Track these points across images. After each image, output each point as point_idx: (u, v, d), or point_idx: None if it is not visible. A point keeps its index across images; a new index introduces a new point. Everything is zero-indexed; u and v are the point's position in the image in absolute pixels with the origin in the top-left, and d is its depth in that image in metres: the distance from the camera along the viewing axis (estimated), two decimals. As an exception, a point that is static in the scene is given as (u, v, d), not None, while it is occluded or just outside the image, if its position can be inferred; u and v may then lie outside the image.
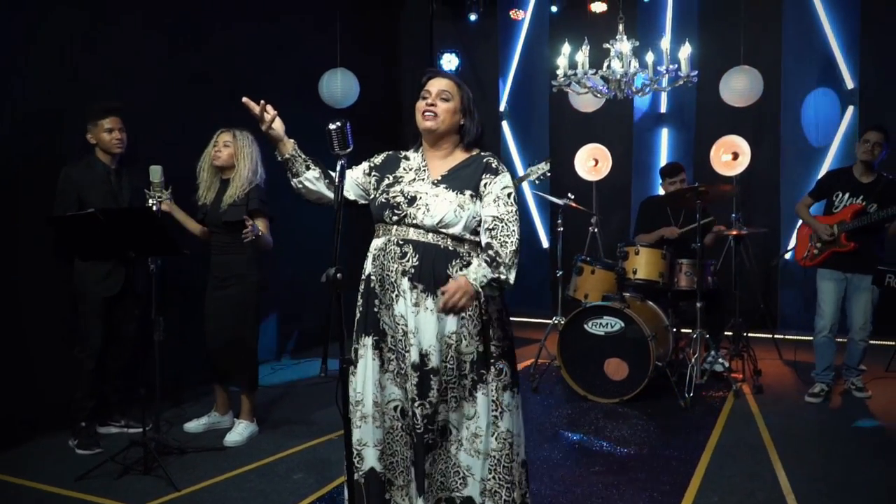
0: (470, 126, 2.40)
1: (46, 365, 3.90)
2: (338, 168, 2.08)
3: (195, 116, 4.69)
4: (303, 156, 2.38)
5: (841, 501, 3.07)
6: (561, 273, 5.28)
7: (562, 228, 5.26)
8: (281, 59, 5.67)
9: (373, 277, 2.35)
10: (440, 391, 2.28)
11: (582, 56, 4.65)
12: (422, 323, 2.26)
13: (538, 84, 7.23)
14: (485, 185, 2.31)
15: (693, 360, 4.71)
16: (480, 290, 2.15)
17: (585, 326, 4.68)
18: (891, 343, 5.42)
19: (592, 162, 6.65)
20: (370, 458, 2.35)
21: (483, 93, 7.46)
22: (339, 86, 5.80)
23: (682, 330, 5.23)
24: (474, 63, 7.46)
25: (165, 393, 4.33)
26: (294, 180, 2.39)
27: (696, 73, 4.43)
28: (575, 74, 4.58)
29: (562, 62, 4.73)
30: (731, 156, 6.10)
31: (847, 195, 4.52)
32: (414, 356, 2.25)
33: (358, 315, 2.40)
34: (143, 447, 3.38)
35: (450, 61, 7.42)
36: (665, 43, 4.40)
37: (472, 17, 7.59)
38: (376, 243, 2.37)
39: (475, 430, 2.33)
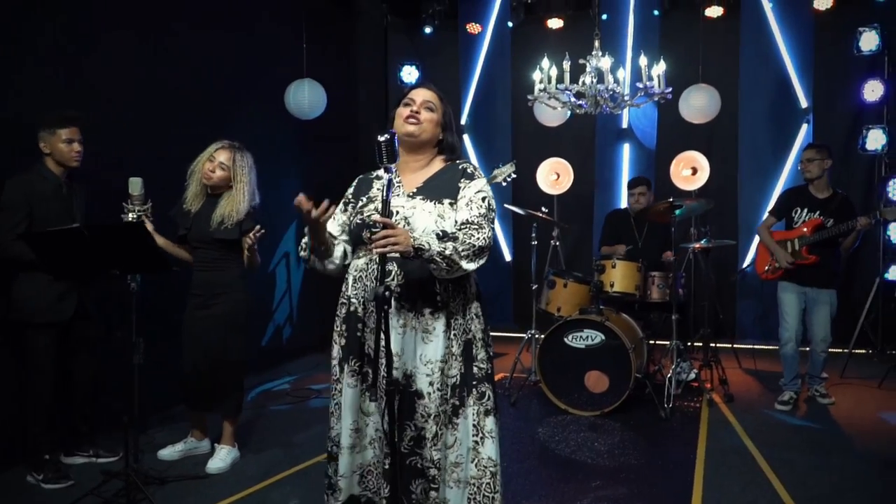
0: (451, 141, 2.37)
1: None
2: (385, 179, 2.00)
3: (159, 127, 4.49)
4: (332, 234, 2.32)
5: (837, 507, 3.16)
6: (536, 287, 5.29)
7: (535, 242, 5.27)
8: (246, 68, 5.50)
9: (354, 301, 2.25)
10: (429, 418, 2.19)
11: (555, 71, 4.70)
12: (407, 344, 2.18)
13: (500, 97, 7.26)
14: (461, 189, 2.25)
15: (671, 370, 4.79)
16: (417, 248, 2.02)
17: (566, 340, 4.69)
18: (844, 351, 5.68)
19: (554, 176, 6.72)
20: (347, 488, 2.26)
21: (444, 106, 7.43)
22: (307, 97, 5.67)
23: (652, 342, 5.32)
24: (435, 76, 7.44)
25: (133, 419, 4.10)
26: (321, 262, 2.31)
27: (670, 89, 4.53)
28: (554, 89, 4.61)
29: (537, 76, 4.77)
30: (690, 171, 6.29)
31: (806, 211, 4.71)
32: (399, 378, 2.17)
33: (343, 341, 2.28)
34: (125, 478, 3.15)
35: (410, 73, 7.37)
36: (643, 60, 4.48)
37: (428, 30, 7.58)
38: (357, 264, 2.28)
39: (455, 458, 2.25)
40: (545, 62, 4.67)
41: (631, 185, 5.66)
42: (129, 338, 3.17)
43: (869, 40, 5.85)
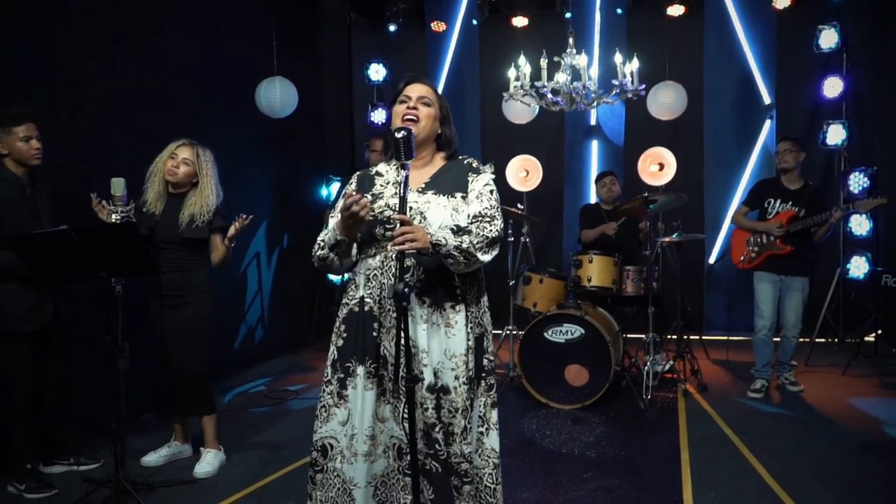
0: (449, 135, 2.36)
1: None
2: (403, 176, 1.98)
3: (128, 126, 4.37)
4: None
5: (823, 488, 3.26)
6: (512, 283, 5.33)
7: (511, 239, 5.31)
8: (213, 67, 5.38)
9: (367, 300, 2.21)
10: (456, 413, 2.16)
11: (528, 68, 4.74)
12: (431, 340, 2.16)
13: (468, 95, 7.28)
14: (470, 183, 2.26)
15: (648, 362, 4.88)
16: (434, 244, 2.04)
17: (545, 334, 4.74)
18: (808, 340, 5.88)
19: (524, 173, 6.78)
20: (360, 499, 2.18)
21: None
22: (278, 95, 5.59)
23: (625, 335, 5.41)
24: (402, 74, 7.40)
25: (108, 425, 3.99)
26: (341, 261, 2.24)
27: (643, 86, 4.61)
28: (532, 86, 4.64)
29: (512, 73, 4.80)
30: (657, 166, 6.42)
31: (779, 202, 4.85)
32: (428, 377, 2.14)
33: (341, 342, 2.23)
34: (116, 485, 3.07)
35: (377, 71, 7.33)
36: (618, 58, 4.55)
37: (392, 28, 7.55)
38: (370, 263, 2.22)
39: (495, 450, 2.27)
40: (521, 59, 4.71)
41: (599, 178, 5.77)
42: (115, 342, 3.09)
43: (828, 38, 6.06)
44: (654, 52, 6.37)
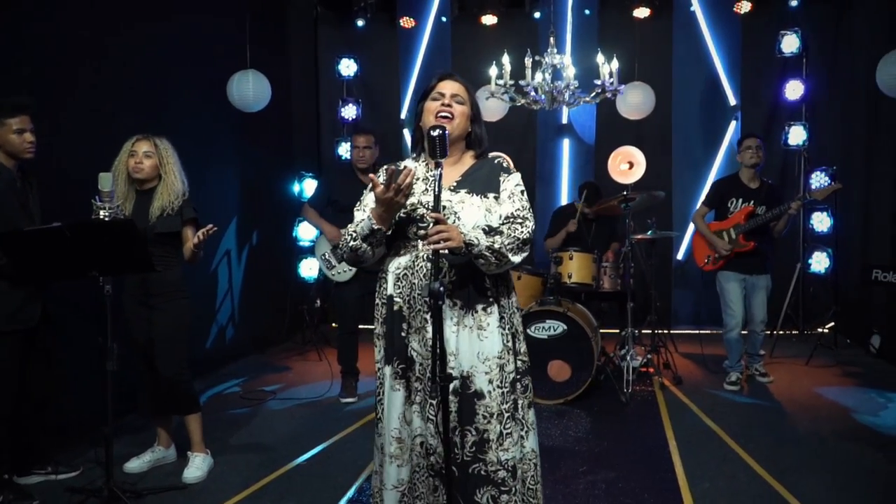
0: (480, 133, 2.35)
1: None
2: (437, 174, 1.97)
3: (94, 120, 4.18)
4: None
5: (808, 473, 3.38)
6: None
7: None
8: (186, 59, 5.22)
9: (397, 300, 2.19)
10: (491, 418, 2.13)
11: (508, 67, 4.77)
12: (462, 343, 2.14)
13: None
14: (501, 183, 2.26)
15: (628, 357, 4.96)
16: (468, 244, 2.03)
17: (528, 331, 4.76)
18: (771, 333, 6.08)
19: (495, 170, 6.80)
20: (388, 501, 2.18)
21: (383, 100, 7.38)
22: (251, 88, 5.48)
23: (602, 330, 5.50)
24: (374, 70, 7.37)
25: (85, 430, 3.85)
26: (373, 250, 2.19)
27: (623, 86, 4.69)
28: (516, 84, 4.67)
29: (493, 72, 4.82)
30: (627, 165, 6.52)
31: (740, 200, 4.99)
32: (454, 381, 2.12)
33: (382, 343, 2.22)
34: (108, 493, 2.96)
35: (348, 67, 7.25)
36: (600, 58, 4.62)
37: (360, 23, 7.47)
38: (400, 262, 2.20)
39: (522, 454, 2.23)
40: (505, 58, 4.73)
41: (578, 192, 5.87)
42: (105, 343, 2.98)
43: (790, 43, 6.28)
44: (623, 53, 6.46)
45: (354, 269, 4.75)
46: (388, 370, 2.16)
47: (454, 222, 2.12)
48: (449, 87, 2.26)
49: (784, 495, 3.15)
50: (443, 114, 2.20)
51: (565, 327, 4.71)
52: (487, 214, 2.18)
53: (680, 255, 6.87)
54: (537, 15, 7.10)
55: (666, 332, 6.24)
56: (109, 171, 3.35)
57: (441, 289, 1.88)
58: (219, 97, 5.65)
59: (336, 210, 4.82)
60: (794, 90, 6.31)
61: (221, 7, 5.79)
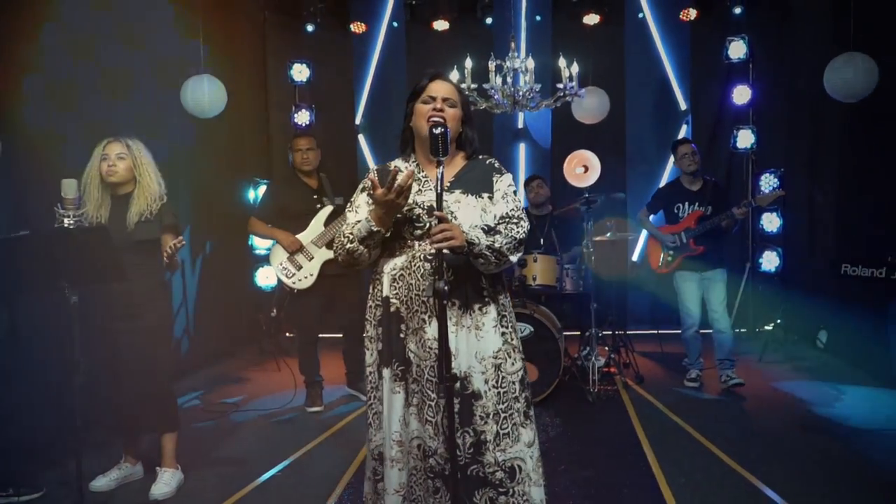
0: (471, 135, 2.34)
1: None
2: (440, 171, 1.96)
3: (34, 125, 3.99)
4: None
5: (778, 465, 3.48)
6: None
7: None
8: (137, 61, 5.05)
9: (394, 301, 2.17)
10: (487, 418, 2.12)
11: (467, 70, 4.79)
12: (460, 343, 2.13)
13: (395, 97, 7.22)
14: (494, 184, 2.27)
15: (592, 358, 5.03)
16: (469, 243, 2.03)
17: (496, 334, 4.78)
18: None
19: (452, 175, 6.82)
20: None
21: (337, 105, 7.30)
22: (207, 94, 5.33)
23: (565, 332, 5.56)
24: (327, 75, 7.28)
25: (46, 448, 3.67)
26: (370, 252, 2.15)
27: (584, 90, 4.77)
28: (478, 88, 4.70)
29: (454, 77, 4.83)
30: (582, 169, 6.65)
31: (686, 204, 5.12)
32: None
33: (379, 348, 2.20)
34: (78, 514, 2.82)
35: (301, 72, 7.14)
36: (561, 62, 4.69)
37: (310, 28, 7.39)
38: (396, 263, 2.18)
39: (538, 456, 2.23)
40: (468, 62, 4.74)
41: (527, 183, 5.89)
42: (72, 356, 2.85)
43: (737, 49, 6.50)
44: (577, 58, 6.59)
45: (314, 277, 4.67)
46: (387, 372, 2.13)
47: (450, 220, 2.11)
48: (440, 90, 2.25)
49: (759, 486, 3.24)
50: (435, 118, 2.18)
51: (532, 329, 4.74)
52: (483, 214, 2.18)
53: (635, 257, 7.00)
54: (489, 20, 7.17)
55: (623, 332, 6.39)
56: (81, 185, 3.20)
57: (446, 288, 1.86)
58: (172, 102, 5.47)
59: (286, 217, 4.74)
60: (741, 95, 6.54)
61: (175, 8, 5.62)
